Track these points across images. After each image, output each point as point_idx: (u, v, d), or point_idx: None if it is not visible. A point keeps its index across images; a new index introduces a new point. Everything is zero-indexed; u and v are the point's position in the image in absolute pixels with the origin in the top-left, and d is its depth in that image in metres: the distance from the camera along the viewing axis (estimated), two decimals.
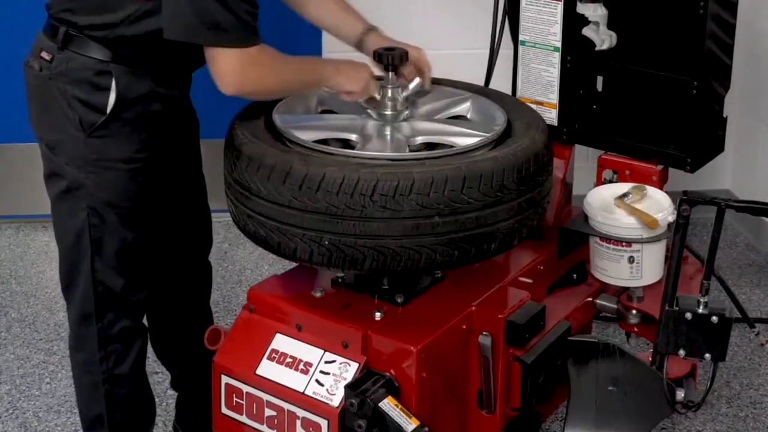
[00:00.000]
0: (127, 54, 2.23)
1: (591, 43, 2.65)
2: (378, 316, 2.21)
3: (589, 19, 2.63)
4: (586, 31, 2.65)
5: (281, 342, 2.24)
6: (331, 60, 2.39)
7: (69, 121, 2.25)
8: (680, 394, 2.39)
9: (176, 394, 2.87)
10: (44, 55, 2.26)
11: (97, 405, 2.45)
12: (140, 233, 2.37)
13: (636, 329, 2.65)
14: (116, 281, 2.36)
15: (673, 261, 2.29)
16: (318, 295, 2.29)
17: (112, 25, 2.21)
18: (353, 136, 2.30)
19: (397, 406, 2.07)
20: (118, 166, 2.28)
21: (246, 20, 2.11)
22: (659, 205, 2.49)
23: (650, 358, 2.38)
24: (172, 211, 2.51)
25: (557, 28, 2.71)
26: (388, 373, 2.14)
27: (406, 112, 2.36)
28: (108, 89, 2.23)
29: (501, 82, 2.87)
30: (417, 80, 2.42)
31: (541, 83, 2.78)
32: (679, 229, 2.28)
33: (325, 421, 2.12)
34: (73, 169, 2.28)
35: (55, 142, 2.29)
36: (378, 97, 2.33)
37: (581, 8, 2.63)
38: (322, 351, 2.19)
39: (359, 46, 2.49)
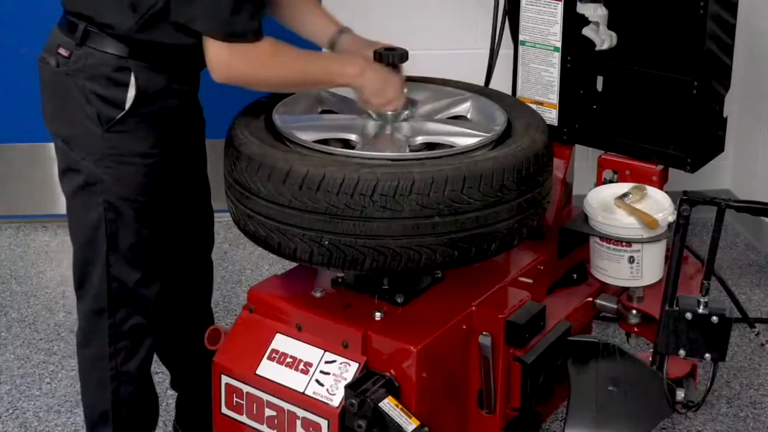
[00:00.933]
0: (145, 50, 2.24)
1: (591, 43, 2.65)
2: (378, 316, 2.21)
3: (589, 19, 2.63)
4: (586, 31, 2.65)
5: (281, 342, 2.24)
6: (356, 62, 2.30)
7: (87, 117, 2.26)
8: (680, 394, 2.39)
9: (176, 394, 2.87)
10: (62, 51, 2.27)
11: (103, 402, 2.45)
12: (154, 229, 2.38)
13: (636, 329, 2.65)
14: (130, 276, 2.37)
15: (673, 261, 2.29)
16: (318, 295, 2.29)
17: (130, 22, 2.21)
18: (353, 136, 2.29)
19: (397, 406, 2.07)
20: (135, 161, 2.29)
21: (243, 17, 2.13)
22: (659, 205, 2.49)
23: (650, 358, 2.38)
24: (178, 207, 2.51)
25: (557, 28, 2.71)
26: (388, 373, 2.13)
27: (406, 112, 2.36)
28: (127, 85, 2.24)
29: (501, 82, 2.87)
30: None
31: (541, 83, 2.78)
32: (679, 229, 2.28)
33: (325, 421, 2.12)
34: (90, 164, 2.28)
35: (72, 137, 2.30)
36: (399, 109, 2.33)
37: (581, 8, 2.63)
38: (322, 351, 2.19)
39: (332, 47, 2.48)
